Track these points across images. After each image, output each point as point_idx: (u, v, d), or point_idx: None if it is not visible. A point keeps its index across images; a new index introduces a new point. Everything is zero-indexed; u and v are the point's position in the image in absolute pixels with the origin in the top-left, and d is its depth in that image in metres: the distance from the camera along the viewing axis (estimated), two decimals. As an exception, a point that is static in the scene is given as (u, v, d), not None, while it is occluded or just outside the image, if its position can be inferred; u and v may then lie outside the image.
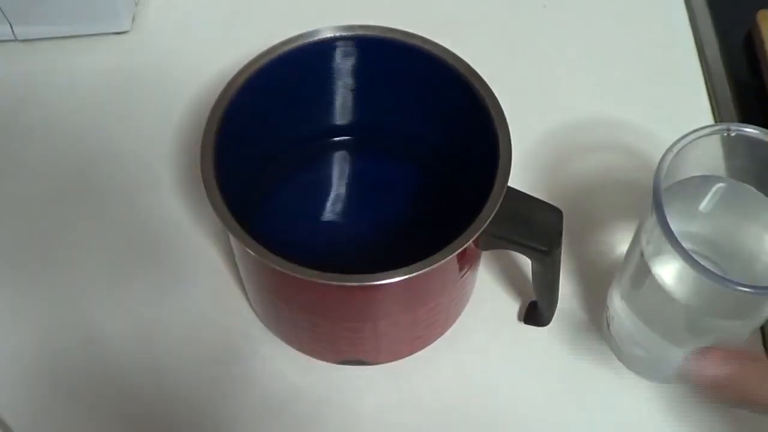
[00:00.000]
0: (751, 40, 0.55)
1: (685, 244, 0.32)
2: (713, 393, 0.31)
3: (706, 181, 0.38)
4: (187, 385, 0.42)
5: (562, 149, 0.50)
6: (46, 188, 0.48)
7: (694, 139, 0.35)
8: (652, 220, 0.34)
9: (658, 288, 0.35)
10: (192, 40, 0.54)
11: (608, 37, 0.55)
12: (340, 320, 0.39)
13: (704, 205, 0.38)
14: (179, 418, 0.41)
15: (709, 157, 0.37)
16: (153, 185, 0.48)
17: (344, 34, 0.40)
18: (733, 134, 0.36)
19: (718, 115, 0.51)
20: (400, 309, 0.38)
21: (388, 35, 0.40)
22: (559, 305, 0.42)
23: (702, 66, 0.54)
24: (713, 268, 0.32)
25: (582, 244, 0.46)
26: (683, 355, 0.36)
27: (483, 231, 0.35)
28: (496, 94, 0.38)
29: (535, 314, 0.43)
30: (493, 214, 0.35)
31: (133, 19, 0.54)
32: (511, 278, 0.45)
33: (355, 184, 0.46)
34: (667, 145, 0.35)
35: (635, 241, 0.37)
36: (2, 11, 0.50)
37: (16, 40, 0.53)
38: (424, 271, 0.34)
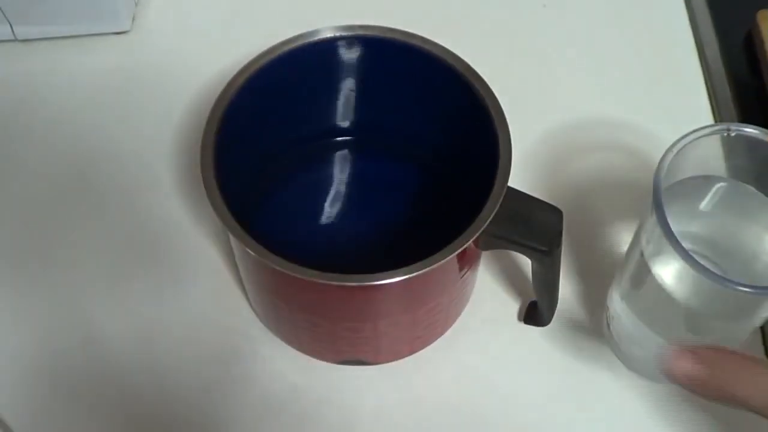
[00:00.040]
0: (751, 40, 0.55)
1: (685, 244, 0.32)
2: (687, 388, 0.31)
3: (706, 181, 0.38)
4: (187, 385, 0.42)
5: (562, 149, 0.50)
6: (46, 188, 0.48)
7: (694, 139, 0.35)
8: (652, 220, 0.34)
9: (658, 288, 0.35)
10: (192, 40, 0.54)
11: (608, 37, 0.55)
12: (340, 320, 0.39)
13: (704, 205, 0.38)
14: (179, 418, 0.41)
15: (709, 157, 0.36)
16: (153, 185, 0.48)
17: (344, 34, 0.40)
18: (733, 134, 0.36)
19: (718, 115, 0.51)
20: (400, 309, 0.38)
21: (388, 35, 0.40)
22: (559, 305, 0.42)
23: (702, 66, 0.54)
24: (713, 268, 0.32)
25: (582, 244, 0.46)
26: (655, 351, 0.36)
27: (483, 231, 0.35)
28: (496, 94, 0.38)
29: (535, 314, 0.43)
30: (493, 214, 0.35)
31: (133, 19, 0.54)
32: (511, 278, 0.45)
33: (355, 184, 0.46)
34: (667, 145, 0.35)
35: (635, 241, 0.37)
36: (2, 11, 0.50)
37: (16, 40, 0.53)
38: (424, 271, 0.34)
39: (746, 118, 0.50)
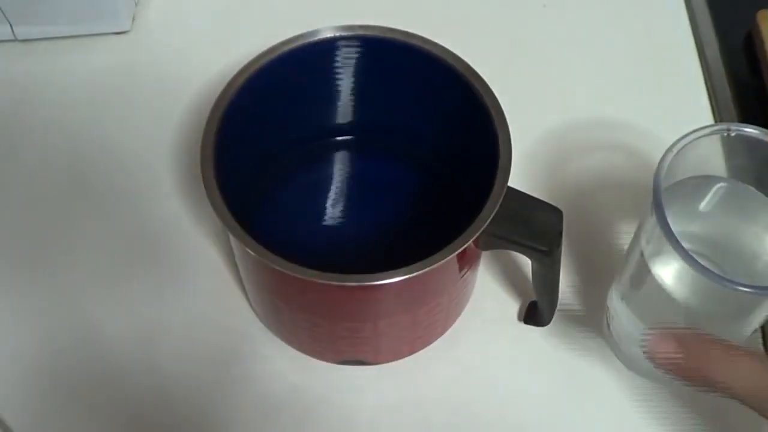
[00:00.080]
0: (751, 40, 0.55)
1: (685, 244, 0.32)
2: (670, 373, 0.32)
3: (706, 181, 0.38)
4: (187, 385, 0.42)
5: (562, 149, 0.50)
6: (46, 188, 0.48)
7: (694, 139, 0.35)
8: (652, 220, 0.34)
9: (658, 288, 0.35)
10: (192, 40, 0.54)
11: (608, 37, 0.55)
12: (340, 320, 0.39)
13: (704, 205, 0.38)
14: (179, 418, 0.41)
15: (709, 157, 0.37)
16: (153, 185, 0.48)
17: (344, 34, 0.40)
18: (733, 134, 0.36)
19: (718, 115, 0.51)
20: (400, 309, 0.38)
21: (388, 35, 0.40)
22: (559, 305, 0.42)
23: (702, 66, 0.54)
24: (713, 268, 0.32)
25: (582, 244, 0.46)
26: (643, 336, 0.36)
27: (483, 231, 0.35)
28: (496, 94, 0.38)
29: (535, 314, 0.43)
30: (493, 214, 0.35)
31: (133, 19, 0.54)
32: (511, 278, 0.45)
33: (355, 184, 0.46)
34: (667, 145, 0.35)
35: (635, 241, 0.37)
36: (2, 11, 0.50)
37: (16, 40, 0.53)
38: (424, 271, 0.34)
39: (746, 118, 0.50)
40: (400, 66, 0.41)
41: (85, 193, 0.48)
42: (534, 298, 0.43)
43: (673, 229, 0.33)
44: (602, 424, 0.42)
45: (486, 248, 0.38)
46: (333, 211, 0.45)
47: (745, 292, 0.32)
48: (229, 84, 0.38)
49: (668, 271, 0.35)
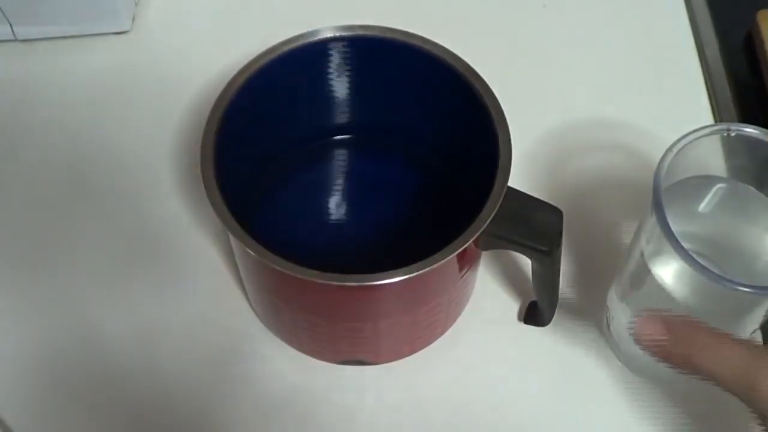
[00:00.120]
0: (751, 40, 0.55)
1: (685, 244, 0.32)
2: (655, 355, 0.32)
3: (706, 181, 0.38)
4: (187, 385, 0.42)
5: (562, 149, 0.50)
6: (46, 188, 0.48)
7: (694, 139, 0.35)
8: (652, 220, 0.34)
9: (658, 288, 0.35)
10: (192, 40, 0.54)
11: (608, 37, 0.55)
12: (340, 320, 0.39)
13: (704, 205, 0.38)
14: (179, 418, 0.41)
15: (709, 157, 0.37)
16: (153, 185, 0.48)
17: (344, 34, 0.40)
18: (733, 134, 0.36)
19: (718, 115, 0.51)
20: (400, 309, 0.38)
21: (388, 35, 0.40)
22: (559, 305, 0.42)
23: (702, 66, 0.54)
24: (713, 268, 0.32)
25: (582, 244, 0.46)
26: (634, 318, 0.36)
27: (483, 231, 0.35)
28: (496, 94, 0.38)
29: (535, 314, 0.43)
30: (493, 214, 0.35)
31: (133, 19, 0.54)
32: (511, 278, 0.45)
33: (355, 184, 0.46)
34: (667, 145, 0.35)
35: (635, 241, 0.37)
36: (2, 11, 0.50)
37: (16, 40, 0.53)
38: (424, 271, 0.34)
39: (746, 118, 0.50)
40: (400, 66, 0.41)
41: (85, 193, 0.48)
42: (534, 298, 0.43)
43: (673, 229, 0.33)
44: (602, 424, 0.42)
45: (486, 248, 0.38)
46: (333, 211, 0.45)
47: (745, 292, 0.32)
48: (229, 84, 0.38)
49: (668, 271, 0.35)
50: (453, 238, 0.35)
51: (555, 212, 0.37)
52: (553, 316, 0.43)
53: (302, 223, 0.44)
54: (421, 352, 0.43)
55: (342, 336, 0.40)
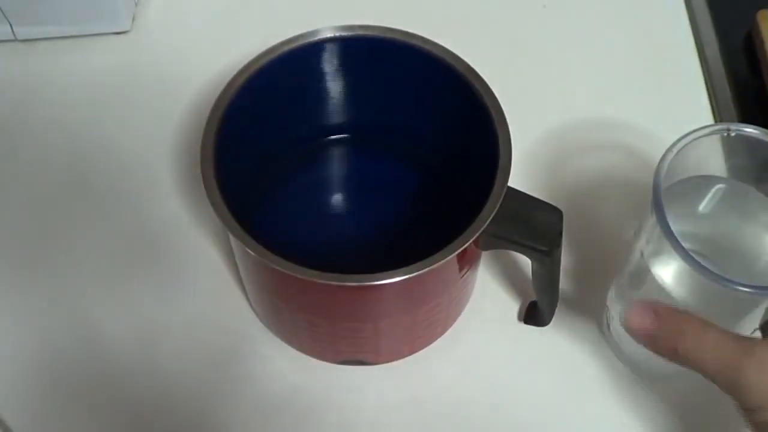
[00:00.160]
0: (751, 40, 0.55)
1: (685, 244, 0.32)
2: (645, 344, 0.32)
3: (706, 181, 0.38)
4: (187, 385, 0.42)
5: (562, 149, 0.50)
6: (45, 188, 0.48)
7: (694, 139, 0.35)
8: (651, 220, 0.34)
9: (658, 288, 0.35)
10: (192, 40, 0.54)
11: (608, 37, 0.55)
12: (340, 320, 0.39)
13: (704, 205, 0.38)
14: (179, 418, 0.41)
15: (709, 157, 0.37)
16: (153, 185, 0.48)
17: (344, 34, 0.40)
18: (733, 134, 0.36)
19: (718, 115, 0.51)
20: (400, 309, 0.38)
21: (388, 35, 0.40)
22: (559, 305, 0.42)
23: (702, 66, 0.54)
24: (713, 268, 0.32)
25: (582, 244, 0.46)
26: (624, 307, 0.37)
27: (483, 231, 0.35)
28: (496, 94, 0.38)
29: (535, 314, 0.43)
30: (493, 214, 0.35)
31: (133, 19, 0.54)
32: (511, 278, 0.45)
33: (354, 183, 0.46)
34: (667, 145, 0.35)
35: (635, 241, 0.37)
36: (2, 11, 0.50)
37: (16, 40, 0.53)
38: (424, 271, 0.34)
39: (746, 118, 0.50)
40: (400, 66, 0.41)
41: (85, 193, 0.48)
42: (534, 298, 0.43)
43: (673, 229, 0.33)
44: (602, 424, 0.42)
45: (486, 248, 0.38)
46: (333, 210, 0.45)
47: (745, 292, 0.32)
48: (229, 84, 0.38)
49: (668, 271, 0.35)
50: (453, 238, 0.35)
51: (555, 212, 0.37)
52: (553, 316, 0.43)
53: (302, 223, 0.44)
54: (421, 352, 0.43)
55: (342, 336, 0.40)
